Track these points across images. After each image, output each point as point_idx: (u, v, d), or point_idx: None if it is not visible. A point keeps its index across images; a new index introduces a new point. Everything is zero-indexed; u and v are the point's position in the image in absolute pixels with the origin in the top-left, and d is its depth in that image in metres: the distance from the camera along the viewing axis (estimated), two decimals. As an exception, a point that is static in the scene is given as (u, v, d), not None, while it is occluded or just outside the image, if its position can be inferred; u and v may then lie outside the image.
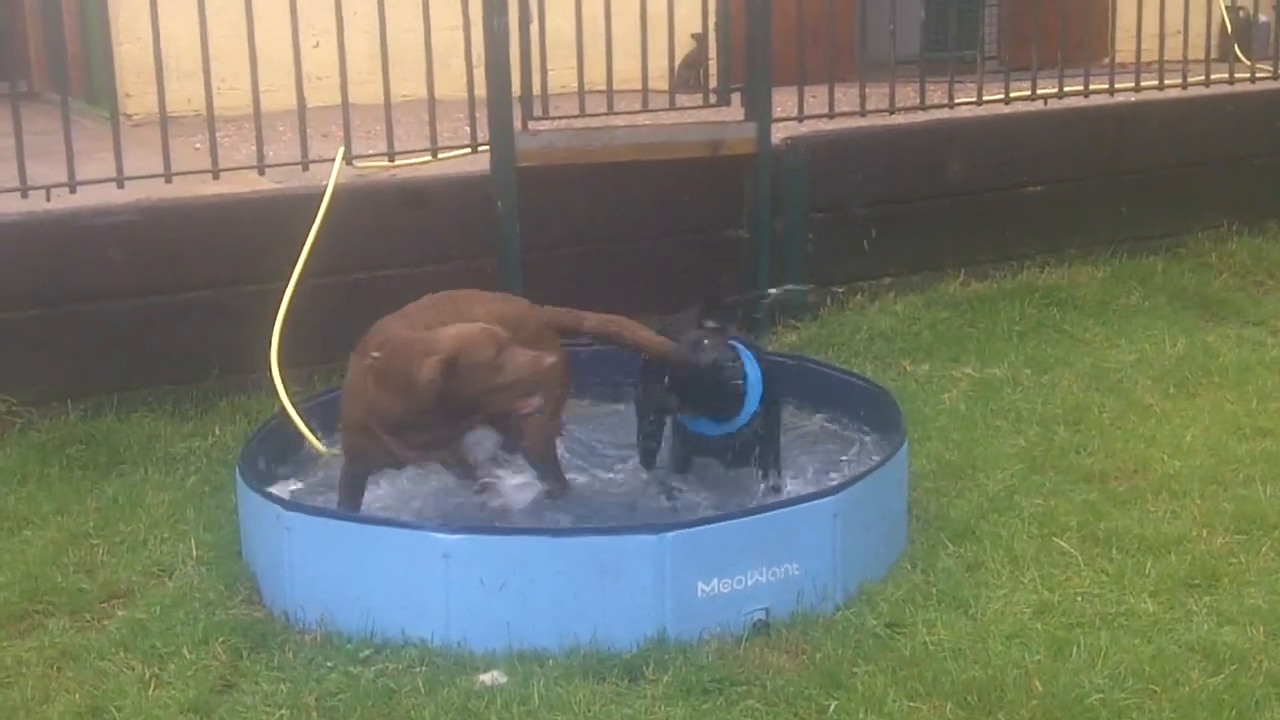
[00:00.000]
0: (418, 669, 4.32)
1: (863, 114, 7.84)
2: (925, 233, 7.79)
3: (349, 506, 4.96)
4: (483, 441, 4.98)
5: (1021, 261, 8.03)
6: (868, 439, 5.61)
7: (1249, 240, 8.55)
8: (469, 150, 6.99)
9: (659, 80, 7.28)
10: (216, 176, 6.59)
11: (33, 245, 6.07)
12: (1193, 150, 8.55)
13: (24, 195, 6.25)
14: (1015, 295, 7.66)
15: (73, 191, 6.32)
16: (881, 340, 7.16)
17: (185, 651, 4.43)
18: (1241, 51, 9.40)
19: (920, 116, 7.97)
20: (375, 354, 4.72)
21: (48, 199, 6.27)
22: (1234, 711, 4.06)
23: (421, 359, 4.57)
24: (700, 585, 4.46)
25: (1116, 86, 8.46)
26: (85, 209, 6.21)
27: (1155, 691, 4.17)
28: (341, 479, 5.03)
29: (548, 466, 5.19)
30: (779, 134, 7.31)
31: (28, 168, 6.24)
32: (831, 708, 4.11)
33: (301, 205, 6.21)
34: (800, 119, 7.60)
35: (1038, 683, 4.16)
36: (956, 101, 8.06)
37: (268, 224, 6.32)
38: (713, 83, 7.66)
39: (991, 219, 7.97)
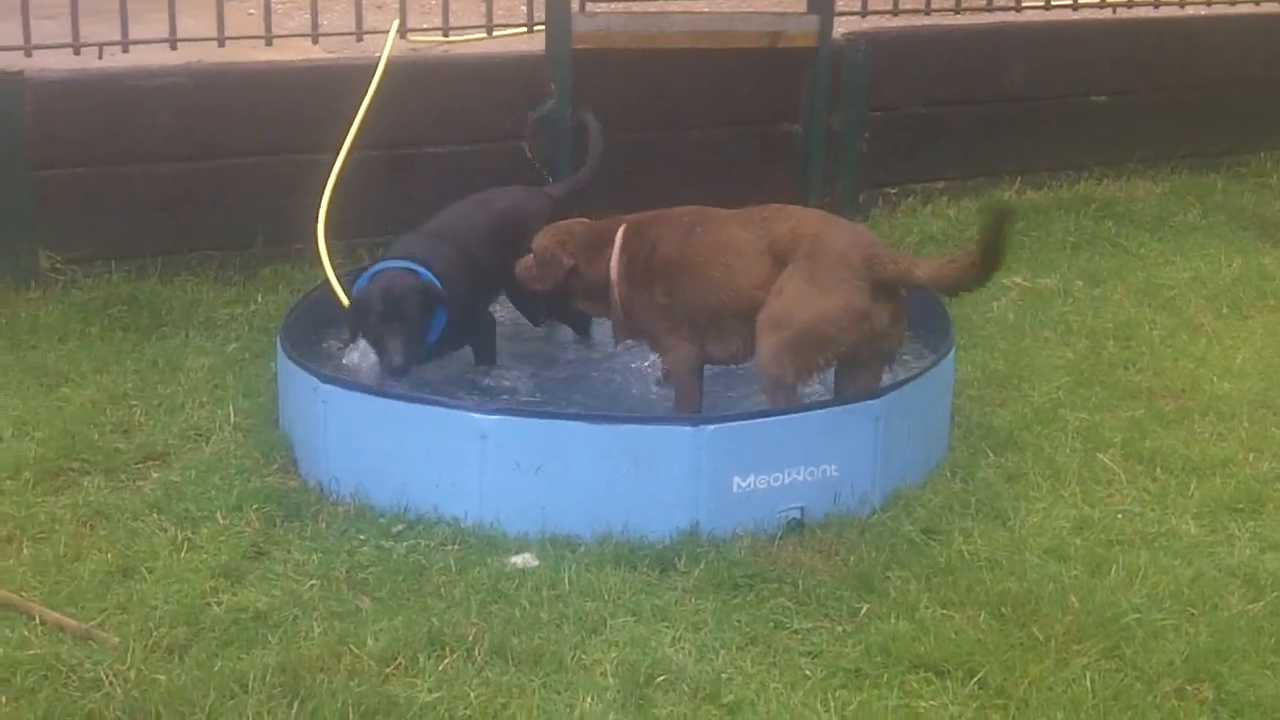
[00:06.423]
0: (449, 547, 4.32)
1: (927, 12, 7.72)
2: (983, 137, 7.67)
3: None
4: None
5: (1079, 172, 7.91)
6: (914, 345, 5.53)
7: (1312, 163, 8.40)
8: (525, 29, 6.89)
9: (721, -33, 7.16)
10: (270, 43, 6.52)
11: (83, 103, 6.01)
12: (1260, 68, 8.37)
13: (76, 53, 6.19)
14: (1071, 206, 7.55)
15: (125, 50, 6.26)
16: (932, 244, 7.06)
17: (219, 516, 4.44)
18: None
19: (985, 18, 7.82)
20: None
21: (100, 57, 6.22)
22: (1273, 639, 4.01)
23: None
24: (737, 480, 4.43)
25: (1186, 0, 8.28)
26: (137, 69, 6.15)
27: (1193, 614, 4.13)
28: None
29: None
30: (841, 28, 7.17)
31: (81, 25, 6.17)
32: (863, 610, 4.09)
33: (354, 76, 6.14)
34: (863, 14, 7.49)
35: (1074, 598, 4.12)
36: (1023, 4, 7.89)
37: (319, 93, 6.24)
38: (776, -27, 7.54)
39: (1051, 127, 7.84)
